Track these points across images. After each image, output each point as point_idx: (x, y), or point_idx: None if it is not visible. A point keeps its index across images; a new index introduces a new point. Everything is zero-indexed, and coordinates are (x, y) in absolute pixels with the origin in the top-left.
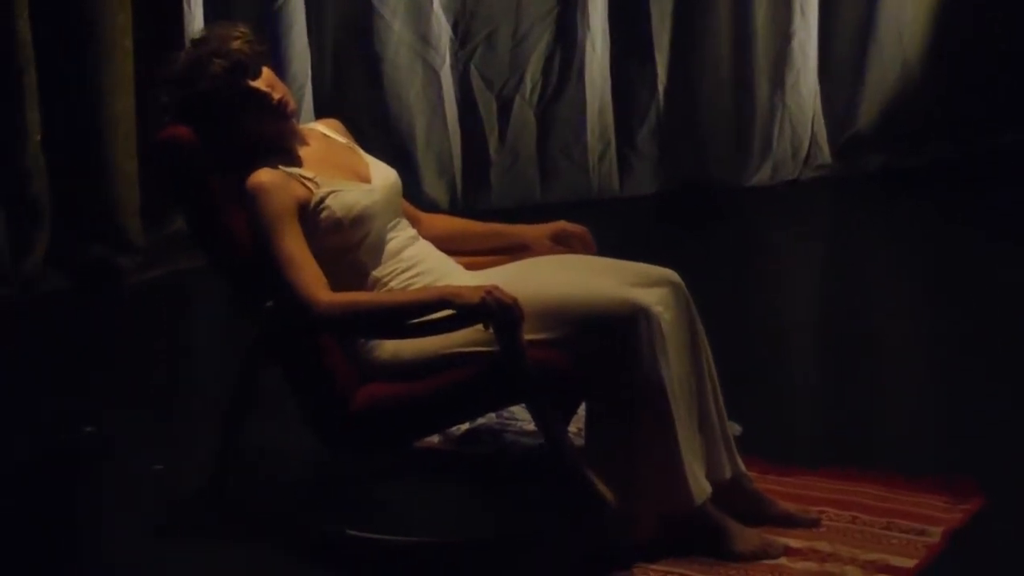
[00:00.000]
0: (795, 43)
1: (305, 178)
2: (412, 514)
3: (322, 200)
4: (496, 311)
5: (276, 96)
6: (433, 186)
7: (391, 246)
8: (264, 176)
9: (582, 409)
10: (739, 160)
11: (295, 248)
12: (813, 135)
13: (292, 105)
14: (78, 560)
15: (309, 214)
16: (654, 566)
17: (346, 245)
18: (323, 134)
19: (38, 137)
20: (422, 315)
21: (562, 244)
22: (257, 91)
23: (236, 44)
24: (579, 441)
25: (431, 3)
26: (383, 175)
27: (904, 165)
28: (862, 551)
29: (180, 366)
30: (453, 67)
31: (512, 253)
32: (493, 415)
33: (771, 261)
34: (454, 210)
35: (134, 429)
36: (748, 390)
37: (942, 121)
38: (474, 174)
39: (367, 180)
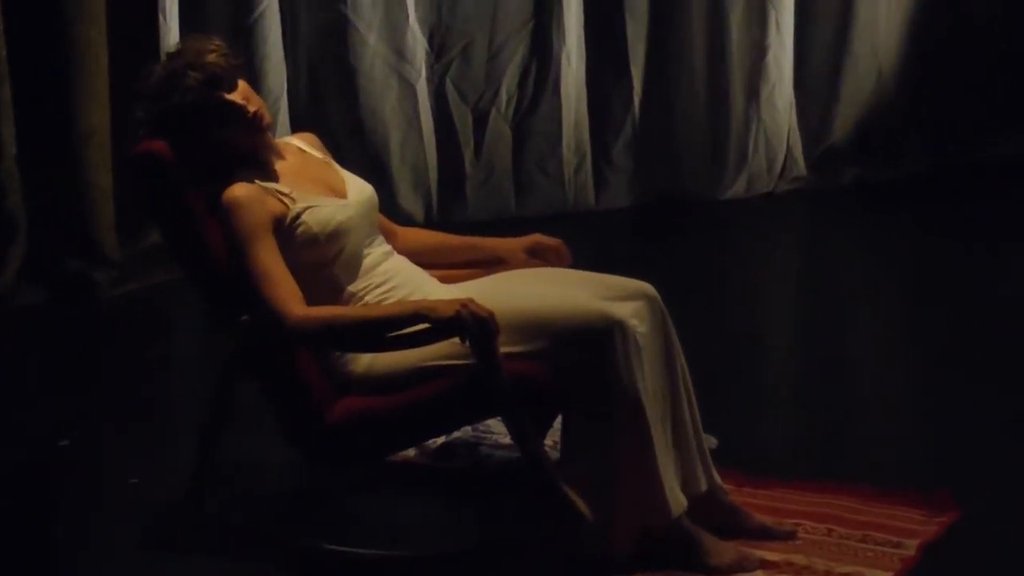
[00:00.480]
0: (770, 56)
1: (281, 193)
2: (387, 528)
3: (298, 215)
4: (471, 324)
5: (251, 109)
6: (408, 199)
7: (367, 261)
8: (239, 191)
9: (557, 422)
10: (714, 173)
11: (270, 263)
12: (788, 148)
13: (267, 118)
14: (53, 574)
15: (285, 229)
16: None
17: (322, 260)
18: (299, 148)
19: (13, 151)
20: (397, 329)
21: (537, 257)
22: (232, 104)
23: (211, 57)
24: (554, 454)
25: (406, 16)
26: (359, 190)
27: (879, 178)
28: (838, 564)
29: (157, 380)
30: (429, 80)
31: (488, 266)
32: (468, 428)
33: (746, 274)
34: (429, 223)
35: (110, 443)
36: (724, 403)
37: (917, 134)
38: (449, 187)
39: (343, 195)
